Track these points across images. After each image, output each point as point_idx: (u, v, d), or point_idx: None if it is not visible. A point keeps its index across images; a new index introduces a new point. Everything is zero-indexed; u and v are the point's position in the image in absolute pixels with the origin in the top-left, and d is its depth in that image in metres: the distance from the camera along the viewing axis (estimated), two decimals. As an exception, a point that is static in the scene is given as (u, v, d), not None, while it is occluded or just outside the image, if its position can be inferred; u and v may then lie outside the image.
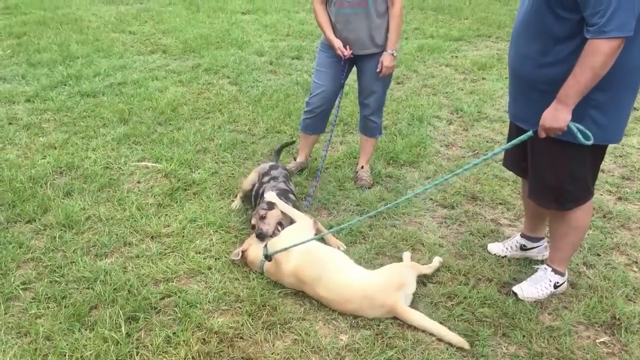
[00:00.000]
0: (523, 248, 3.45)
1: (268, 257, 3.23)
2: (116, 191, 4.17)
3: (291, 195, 3.78)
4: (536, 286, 3.12)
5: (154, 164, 4.61)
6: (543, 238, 3.44)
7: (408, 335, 2.82)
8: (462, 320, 2.95)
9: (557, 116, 2.53)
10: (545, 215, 3.28)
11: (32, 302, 3.03)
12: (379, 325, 2.89)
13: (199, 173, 4.46)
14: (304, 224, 3.43)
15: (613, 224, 3.89)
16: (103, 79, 6.67)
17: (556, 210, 2.98)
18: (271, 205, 3.52)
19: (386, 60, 3.98)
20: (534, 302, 3.08)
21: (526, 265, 3.42)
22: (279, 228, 3.45)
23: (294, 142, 4.62)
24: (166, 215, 3.89)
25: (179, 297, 3.07)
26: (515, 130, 3.07)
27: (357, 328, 2.90)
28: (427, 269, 3.27)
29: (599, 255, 3.54)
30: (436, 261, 3.36)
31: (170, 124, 5.46)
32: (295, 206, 3.66)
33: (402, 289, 2.96)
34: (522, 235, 3.46)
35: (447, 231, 3.81)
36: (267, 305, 3.01)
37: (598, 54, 2.38)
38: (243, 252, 3.31)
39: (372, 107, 4.24)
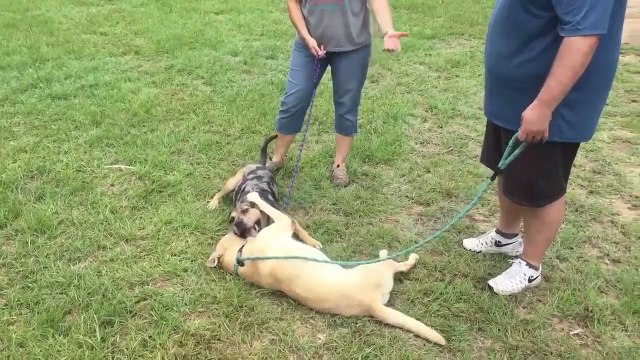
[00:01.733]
0: (498, 244, 3.49)
1: (240, 263, 3.21)
2: (89, 194, 4.12)
3: (270, 197, 3.77)
4: (511, 280, 3.16)
5: (127, 167, 4.56)
6: (517, 234, 3.48)
7: (385, 332, 2.84)
8: (439, 316, 2.97)
9: (543, 120, 2.55)
10: (520, 212, 3.31)
11: (4, 309, 2.98)
12: (356, 323, 2.90)
13: (173, 175, 4.42)
14: (281, 225, 3.41)
15: (585, 218, 3.95)
16: (74, 81, 6.57)
17: (529, 207, 3.02)
18: (253, 204, 3.53)
19: (392, 35, 3.71)
20: (509, 295, 3.12)
21: (501, 260, 3.46)
22: (256, 227, 3.45)
23: (276, 136, 4.57)
24: (141, 217, 3.85)
25: (154, 300, 3.04)
26: (492, 127, 3.10)
27: (335, 326, 2.90)
28: (404, 267, 3.28)
29: (571, 248, 3.59)
30: (412, 258, 3.38)
31: (143, 125, 5.41)
32: (273, 207, 3.65)
33: (379, 288, 2.97)
34: (497, 232, 3.50)
35: (422, 228, 3.84)
36: (244, 306, 3.00)
37: (576, 52, 2.39)
38: (219, 258, 3.29)
39: (347, 106, 4.24)
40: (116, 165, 4.59)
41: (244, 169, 4.11)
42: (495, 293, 3.13)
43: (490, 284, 3.17)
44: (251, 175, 3.94)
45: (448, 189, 4.31)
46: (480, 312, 2.99)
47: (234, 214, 3.50)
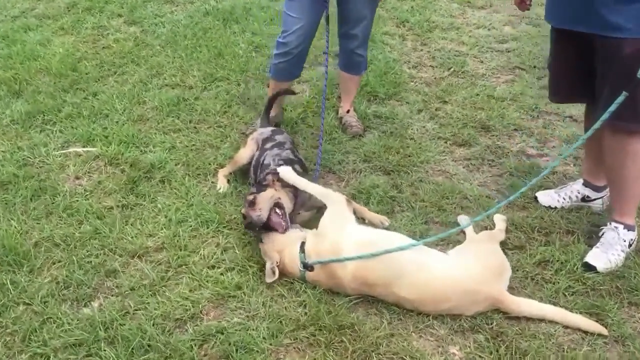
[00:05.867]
0: (586, 199, 2.95)
1: (308, 267, 2.52)
2: (55, 198, 3.13)
3: (297, 167, 3.01)
4: (612, 252, 2.59)
5: (86, 149, 3.57)
6: (607, 186, 2.91)
7: (532, 330, 2.30)
8: (575, 293, 2.46)
9: None
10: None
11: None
12: (489, 325, 2.32)
13: (153, 152, 3.50)
14: (338, 208, 2.70)
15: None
16: (-42, 39, 5.18)
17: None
18: (260, 188, 2.77)
19: None
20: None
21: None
22: (277, 210, 2.71)
23: (292, 92, 3.75)
24: (140, 220, 2.96)
25: (222, 340, 2.29)
26: (568, 46, 2.58)
27: (463, 333, 2.32)
28: (501, 235, 2.73)
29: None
30: (500, 221, 2.82)
31: (78, 88, 4.29)
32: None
33: (503, 275, 2.41)
34: (586, 184, 2.95)
35: (480, 175, 3.28)
36: (344, 328, 2.33)
37: None
38: (277, 266, 2.55)
39: (359, 38, 3.48)
40: (71, 149, 3.57)
41: (254, 134, 3.29)
42: (598, 272, 2.56)
43: (589, 263, 2.59)
44: (269, 144, 3.14)
45: (480, 120, 3.76)
46: (617, 280, 2.50)
47: (244, 211, 2.72)
